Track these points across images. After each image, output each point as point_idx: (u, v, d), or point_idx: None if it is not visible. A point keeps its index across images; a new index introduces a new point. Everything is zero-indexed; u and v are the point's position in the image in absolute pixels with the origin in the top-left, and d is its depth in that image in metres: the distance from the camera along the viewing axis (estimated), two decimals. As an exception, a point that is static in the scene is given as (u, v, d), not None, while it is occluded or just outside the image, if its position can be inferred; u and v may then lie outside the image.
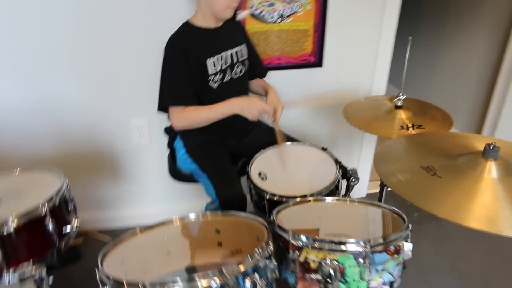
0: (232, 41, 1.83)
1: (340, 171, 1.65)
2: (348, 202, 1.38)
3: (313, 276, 1.13)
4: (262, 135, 1.92)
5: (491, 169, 1.11)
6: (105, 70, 2.00)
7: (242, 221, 1.30)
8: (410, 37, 1.46)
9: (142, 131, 2.19)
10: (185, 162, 1.79)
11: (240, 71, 1.83)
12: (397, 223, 1.22)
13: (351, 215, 1.36)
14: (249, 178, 1.63)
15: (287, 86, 2.21)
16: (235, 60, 1.80)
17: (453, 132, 1.44)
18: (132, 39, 1.97)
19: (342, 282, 1.11)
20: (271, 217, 1.29)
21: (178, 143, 1.84)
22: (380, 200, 1.76)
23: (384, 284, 1.13)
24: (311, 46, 2.17)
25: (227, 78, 1.78)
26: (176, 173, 1.91)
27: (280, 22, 2.07)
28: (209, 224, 1.33)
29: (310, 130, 2.39)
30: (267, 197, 1.50)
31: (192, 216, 1.33)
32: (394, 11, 2.18)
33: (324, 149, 1.82)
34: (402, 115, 1.72)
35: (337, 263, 1.10)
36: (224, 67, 1.76)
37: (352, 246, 1.09)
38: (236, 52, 1.80)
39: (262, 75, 2.01)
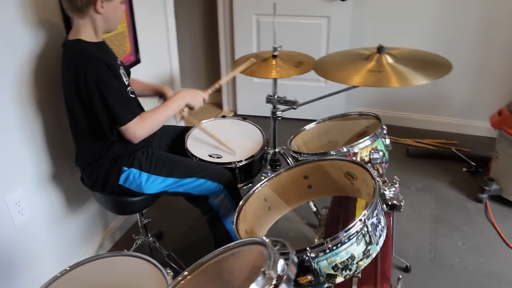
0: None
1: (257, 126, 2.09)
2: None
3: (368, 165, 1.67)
4: (168, 128, 1.99)
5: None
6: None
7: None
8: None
9: (22, 205, 1.69)
10: (154, 184, 1.69)
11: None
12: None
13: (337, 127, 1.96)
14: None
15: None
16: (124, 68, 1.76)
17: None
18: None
19: (383, 156, 1.70)
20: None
21: (131, 174, 1.66)
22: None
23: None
24: (130, 46, 2.22)
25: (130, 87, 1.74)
26: (128, 206, 1.76)
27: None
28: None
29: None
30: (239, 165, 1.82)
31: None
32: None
33: (223, 117, 2.15)
34: (282, 60, 2.03)
35: (379, 148, 1.68)
36: (127, 77, 1.74)
37: (381, 133, 1.69)
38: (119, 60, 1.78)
39: None
